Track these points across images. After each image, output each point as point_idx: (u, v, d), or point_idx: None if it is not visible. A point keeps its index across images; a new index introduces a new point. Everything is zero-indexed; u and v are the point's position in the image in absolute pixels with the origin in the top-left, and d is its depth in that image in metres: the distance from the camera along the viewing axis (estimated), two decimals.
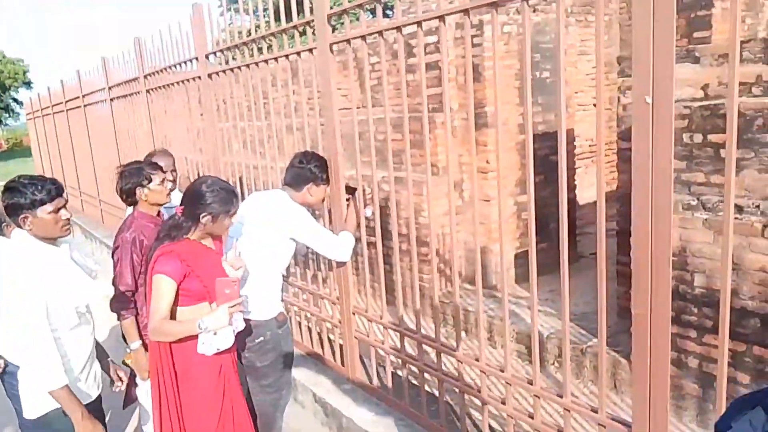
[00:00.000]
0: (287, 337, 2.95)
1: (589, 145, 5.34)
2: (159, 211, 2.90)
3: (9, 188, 2.13)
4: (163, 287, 2.16)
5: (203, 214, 2.26)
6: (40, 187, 2.12)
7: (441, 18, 2.20)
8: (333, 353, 3.26)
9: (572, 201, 5.16)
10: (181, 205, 2.31)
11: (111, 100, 6.79)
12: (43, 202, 2.12)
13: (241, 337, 2.69)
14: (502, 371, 2.26)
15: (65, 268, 2.24)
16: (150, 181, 2.80)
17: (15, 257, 2.12)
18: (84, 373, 2.31)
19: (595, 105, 5.57)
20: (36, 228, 2.14)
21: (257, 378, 2.91)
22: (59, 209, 2.19)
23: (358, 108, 4.79)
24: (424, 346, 2.65)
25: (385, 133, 4.69)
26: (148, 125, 5.66)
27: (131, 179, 2.79)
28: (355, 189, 2.98)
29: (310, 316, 3.41)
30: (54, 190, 2.17)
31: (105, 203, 7.98)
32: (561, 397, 2.04)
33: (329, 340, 3.33)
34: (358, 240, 2.92)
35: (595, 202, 1.85)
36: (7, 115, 52.19)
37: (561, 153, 1.88)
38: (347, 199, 2.97)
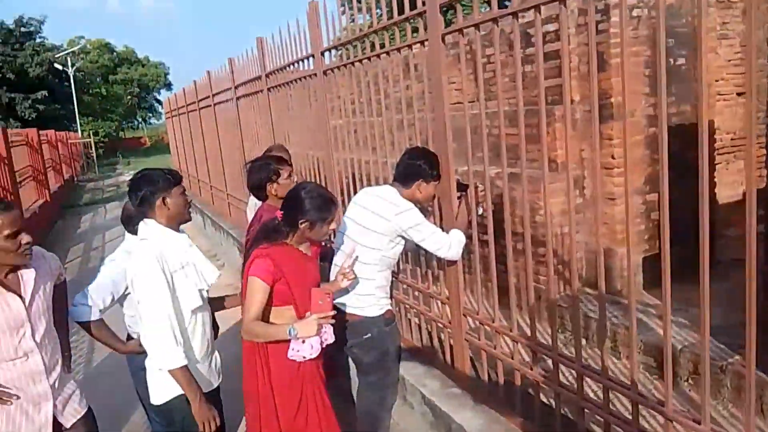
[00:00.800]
0: (395, 335, 2.91)
1: (731, 139, 4.80)
2: None
3: (141, 178, 2.29)
4: (256, 289, 2.24)
5: (302, 220, 2.31)
6: (165, 172, 2.30)
7: (562, 1, 2.03)
8: (443, 354, 3.17)
9: (711, 200, 4.68)
10: (281, 209, 2.37)
11: (237, 98, 7.15)
12: (175, 183, 2.29)
13: (342, 335, 2.70)
14: (629, 388, 2.05)
15: (190, 251, 2.36)
16: (278, 175, 2.90)
17: (144, 245, 2.25)
18: (204, 359, 2.41)
19: (738, 94, 5.01)
20: (172, 209, 2.28)
21: (363, 375, 2.90)
22: (185, 191, 2.34)
23: (470, 102, 4.65)
24: (540, 355, 2.49)
25: (498, 127, 4.53)
26: (269, 122, 5.88)
27: (260, 174, 2.90)
28: (466, 186, 2.87)
29: (420, 315, 3.34)
30: (178, 174, 2.32)
31: (232, 197, 8.45)
32: (699, 423, 1.81)
33: (439, 340, 3.24)
34: (469, 239, 2.80)
35: (736, 202, 1.62)
36: (150, 114, 57.38)
37: (702, 144, 1.65)
38: (459, 197, 2.86)
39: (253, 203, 3.83)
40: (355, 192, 3.93)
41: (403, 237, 2.76)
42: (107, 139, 42.89)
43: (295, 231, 2.33)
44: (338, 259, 2.78)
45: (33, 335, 2.12)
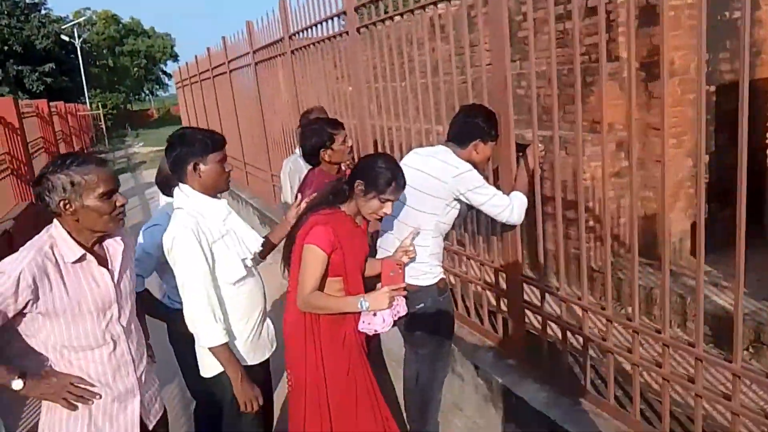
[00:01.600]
0: (448, 304, 2.76)
1: None
2: (339, 169, 2.81)
3: (177, 137, 2.10)
4: (316, 259, 2.09)
5: (360, 184, 2.15)
6: (208, 135, 2.08)
7: None
8: (494, 325, 3.02)
9: (762, 163, 4.45)
10: (353, 172, 2.22)
11: (255, 64, 6.91)
12: (214, 149, 2.07)
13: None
14: (693, 346, 1.94)
15: (229, 218, 2.19)
16: (333, 141, 2.71)
17: (179, 215, 2.08)
18: (252, 331, 2.25)
19: None
20: (204, 177, 2.09)
21: (415, 347, 2.75)
22: (224, 160, 2.13)
23: (512, 61, 4.41)
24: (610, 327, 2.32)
25: (539, 88, 4.30)
26: (293, 88, 5.65)
27: (314, 139, 2.72)
28: (526, 146, 2.67)
29: (471, 284, 3.17)
30: (221, 139, 2.11)
31: (249, 166, 8.27)
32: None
33: (490, 311, 3.08)
34: (530, 202, 2.62)
35: None
36: (157, 86, 56.92)
37: (742, 102, 1.47)
38: (518, 157, 2.67)
39: (288, 168, 3.65)
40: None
41: (459, 201, 2.58)
42: (115, 112, 42.64)
43: (352, 196, 2.19)
44: (383, 242, 2.66)
45: (119, 318, 1.79)
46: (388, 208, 2.20)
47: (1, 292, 1.54)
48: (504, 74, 2.56)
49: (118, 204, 1.72)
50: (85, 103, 34.25)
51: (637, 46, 4.36)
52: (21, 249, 1.65)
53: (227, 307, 2.12)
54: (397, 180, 2.18)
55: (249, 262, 2.19)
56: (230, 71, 8.29)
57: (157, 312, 2.47)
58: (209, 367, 2.16)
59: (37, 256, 1.61)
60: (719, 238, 3.45)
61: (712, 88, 4.25)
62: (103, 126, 32.45)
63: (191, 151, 2.06)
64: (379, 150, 3.92)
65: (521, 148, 2.69)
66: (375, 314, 2.13)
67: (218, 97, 9.61)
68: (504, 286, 2.88)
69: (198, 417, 2.62)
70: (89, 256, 1.70)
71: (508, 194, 2.58)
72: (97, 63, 41.24)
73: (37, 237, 1.68)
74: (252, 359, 2.26)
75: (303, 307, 2.14)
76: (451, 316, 2.78)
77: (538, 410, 2.45)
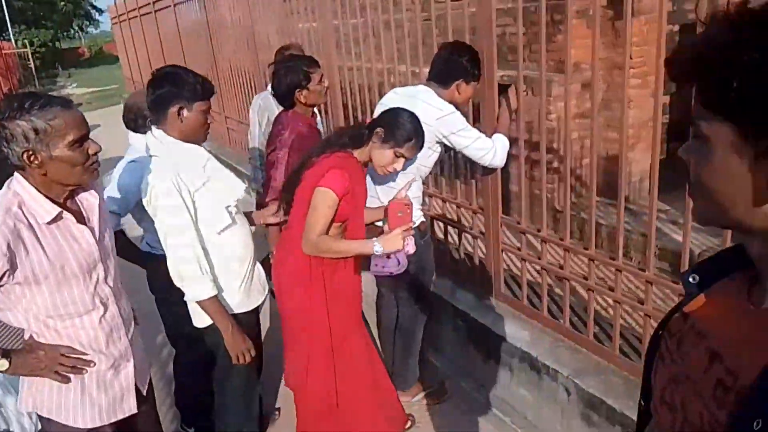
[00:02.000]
0: (428, 248, 2.76)
1: None
2: (313, 112, 2.66)
3: (166, 74, 1.95)
4: (327, 203, 2.01)
5: (380, 131, 2.11)
6: (199, 80, 1.94)
7: None
8: (473, 268, 3.04)
9: None
10: (376, 120, 2.18)
11: None
12: (202, 97, 1.94)
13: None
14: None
15: (209, 164, 2.07)
16: (309, 80, 2.53)
17: (157, 164, 1.96)
18: (244, 280, 2.17)
19: None
20: (185, 124, 1.96)
21: (395, 289, 2.76)
22: (208, 110, 2.00)
23: None
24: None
25: (504, 26, 4.22)
26: (249, 23, 5.37)
27: (289, 79, 2.52)
28: (507, 86, 2.63)
29: (449, 227, 3.17)
30: (210, 88, 1.98)
31: None
32: None
33: (466, 254, 3.10)
34: (512, 143, 2.60)
35: None
36: (87, 22, 53.25)
37: None
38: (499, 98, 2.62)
39: (258, 105, 3.47)
40: (363, 105, 3.65)
41: (441, 143, 2.53)
42: (44, 50, 39.80)
43: (368, 142, 2.12)
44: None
45: (106, 279, 1.62)
46: (399, 164, 2.15)
47: None
48: (489, 9, 2.47)
49: (91, 152, 1.50)
50: (9, 40, 31.83)
51: None
52: None
53: (214, 257, 2.03)
54: (417, 138, 2.14)
55: (233, 209, 2.10)
56: (174, 5, 7.80)
57: (135, 257, 2.37)
58: (202, 316, 2.09)
59: (7, 218, 1.40)
60: (679, 177, 3.56)
61: (676, 28, 4.28)
62: (32, 65, 30.32)
63: (178, 94, 1.92)
64: (347, 93, 3.80)
65: (501, 89, 2.64)
66: (389, 257, 2.11)
67: (161, 33, 9.07)
68: (482, 228, 2.88)
69: (179, 369, 2.57)
70: (66, 214, 1.51)
71: (489, 136, 2.55)
72: None
73: None
74: (245, 306, 2.19)
75: (309, 251, 2.06)
76: (431, 260, 2.79)
77: (520, 348, 2.51)
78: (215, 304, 2.01)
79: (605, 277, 2.74)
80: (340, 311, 2.16)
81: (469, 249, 3.10)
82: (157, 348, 3.34)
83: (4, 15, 31.62)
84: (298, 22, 4.46)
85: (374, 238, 2.05)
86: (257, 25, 5.23)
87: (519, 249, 2.69)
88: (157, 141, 1.98)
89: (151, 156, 1.99)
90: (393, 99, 2.62)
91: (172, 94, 1.93)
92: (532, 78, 4.26)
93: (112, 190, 2.25)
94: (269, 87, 3.29)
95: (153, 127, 2.01)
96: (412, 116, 2.16)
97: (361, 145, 2.14)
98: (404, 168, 2.27)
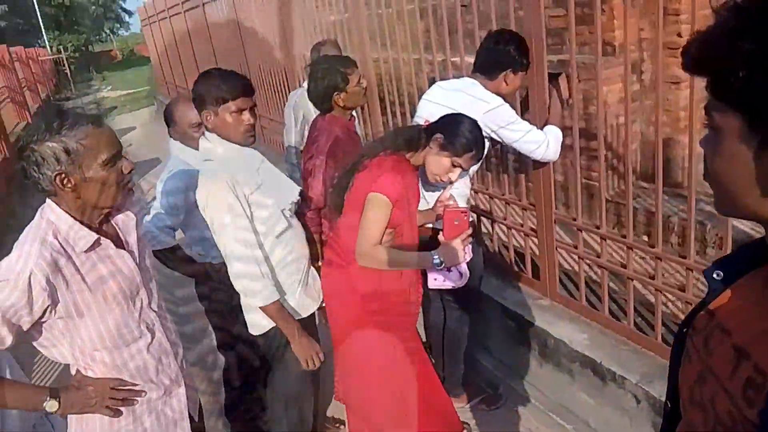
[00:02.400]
0: (477, 249, 2.62)
1: None
2: (351, 115, 2.53)
3: (202, 75, 1.92)
4: (383, 210, 1.87)
5: (440, 137, 1.96)
6: (229, 78, 1.87)
7: None
8: (521, 266, 2.90)
9: None
10: (435, 124, 2.03)
11: None
12: (231, 97, 1.86)
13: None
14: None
15: (263, 167, 2.01)
16: (347, 82, 2.38)
17: (210, 168, 1.91)
18: (299, 284, 2.10)
19: None
20: (215, 128, 1.91)
21: (442, 292, 2.64)
22: (242, 110, 1.90)
23: None
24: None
25: (546, 8, 4.03)
26: (277, 16, 5.27)
27: (327, 81, 2.38)
28: (558, 74, 2.47)
29: (496, 224, 3.03)
30: (240, 87, 1.88)
31: None
32: None
33: (515, 251, 2.97)
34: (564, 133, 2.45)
35: None
36: (117, 25, 54.18)
37: None
38: (549, 87, 2.47)
39: (293, 102, 3.35)
40: (401, 98, 3.52)
41: (489, 139, 2.40)
42: (77, 54, 40.63)
43: (424, 147, 1.99)
44: None
45: (150, 303, 1.54)
46: (455, 174, 2.01)
47: (11, 304, 1.28)
48: None
49: (125, 171, 1.42)
50: (44, 46, 32.57)
51: None
52: (16, 245, 1.35)
53: (273, 261, 1.97)
54: (478, 150, 2.00)
55: (288, 212, 2.03)
56: (204, 4, 7.76)
57: (193, 271, 2.33)
58: (258, 324, 2.02)
59: (44, 250, 1.32)
60: None
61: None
62: (67, 70, 30.97)
63: (206, 98, 1.88)
64: (385, 89, 3.67)
65: (551, 77, 2.49)
66: (450, 269, 1.97)
67: (191, 32, 9.06)
68: (533, 225, 2.74)
69: (232, 378, 2.50)
70: (103, 240, 1.43)
71: (540, 128, 2.40)
72: (52, 2, 38.94)
73: (32, 225, 1.39)
74: (305, 311, 2.12)
75: (365, 262, 1.93)
76: (480, 261, 2.66)
77: (579, 351, 2.37)
78: (279, 308, 1.94)
79: (672, 274, 2.58)
80: (393, 325, 2.04)
81: (519, 246, 2.96)
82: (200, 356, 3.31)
83: (39, 22, 32.32)
84: (329, 14, 4.34)
85: (433, 251, 1.93)
86: (287, 20, 5.13)
87: (575, 247, 2.54)
88: (209, 144, 1.94)
89: (205, 161, 1.95)
90: (437, 94, 2.49)
91: (201, 98, 1.89)
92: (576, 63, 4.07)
93: (161, 205, 2.20)
94: (305, 83, 3.19)
95: (205, 131, 1.97)
96: (474, 125, 2.02)
97: (417, 149, 2.00)
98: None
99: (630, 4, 4.10)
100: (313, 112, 2.93)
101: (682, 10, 3.85)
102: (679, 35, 3.91)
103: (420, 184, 2.39)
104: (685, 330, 0.79)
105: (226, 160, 1.90)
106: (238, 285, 1.89)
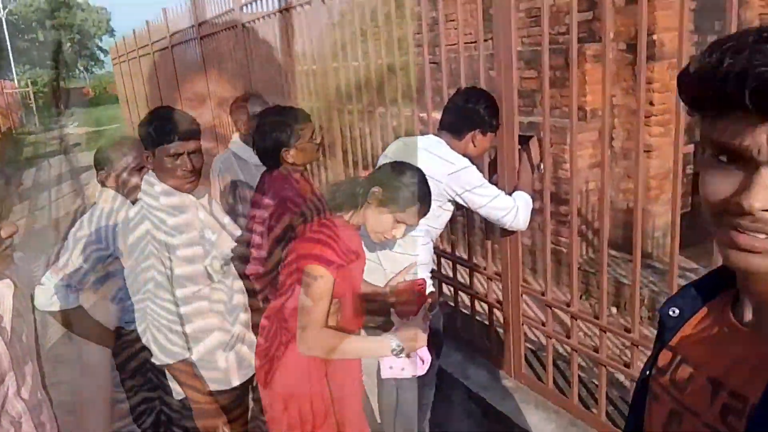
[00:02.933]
0: (438, 321, 2.38)
1: None
2: (303, 171, 2.25)
3: (152, 112, 1.82)
4: (323, 284, 1.58)
5: (378, 191, 1.70)
6: (165, 121, 1.71)
7: None
8: (487, 340, 2.66)
9: None
10: (373, 176, 1.80)
11: (201, 38, 6.29)
12: (167, 140, 1.70)
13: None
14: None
15: (195, 215, 1.83)
16: (298, 138, 2.12)
17: (136, 210, 1.78)
18: (219, 352, 1.86)
19: None
20: (157, 170, 1.76)
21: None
22: (179, 155, 1.72)
23: (472, 42, 4.05)
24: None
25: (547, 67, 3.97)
26: (245, 65, 5.11)
27: (273, 135, 2.10)
28: (529, 137, 2.31)
29: (460, 294, 2.81)
30: (180, 129, 1.71)
31: None
32: None
33: (482, 324, 2.73)
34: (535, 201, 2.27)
35: None
36: (92, 63, 54.00)
37: None
38: (519, 150, 2.31)
39: (218, 169, 2.85)
40: (364, 152, 3.33)
41: (453, 202, 2.20)
42: (47, 89, 40.10)
43: (363, 203, 1.72)
44: None
45: (18, 391, 1.27)
46: (399, 231, 1.75)
47: None
48: (510, 51, 2.17)
49: (3, 235, 1.16)
50: (13, 79, 32.04)
51: (624, 26, 4.12)
52: None
53: (194, 318, 1.77)
54: (423, 203, 1.76)
55: (217, 266, 1.80)
56: (172, 46, 7.60)
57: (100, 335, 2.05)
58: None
59: None
60: (703, 232, 3.23)
61: None
62: (33, 104, 30.38)
63: (149, 139, 1.75)
64: (346, 140, 3.49)
65: (522, 140, 2.32)
66: (409, 356, 1.67)
67: (159, 74, 8.87)
68: (500, 297, 2.52)
69: None
70: None
71: (509, 194, 2.22)
72: (26, 37, 38.64)
73: None
74: (233, 380, 1.91)
75: (310, 351, 1.63)
76: (440, 336, 2.41)
77: None
78: (186, 367, 1.79)
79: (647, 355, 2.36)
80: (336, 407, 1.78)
81: (482, 317, 2.73)
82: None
83: (8, 55, 31.90)
84: (300, 65, 4.19)
85: (389, 334, 1.66)
86: (255, 72, 4.95)
87: (543, 324, 2.32)
88: (146, 183, 1.79)
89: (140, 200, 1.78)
90: (399, 150, 2.30)
91: (143, 140, 1.78)
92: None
93: (69, 263, 1.92)
94: (232, 141, 2.94)
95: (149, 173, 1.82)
96: (418, 173, 1.77)
97: (356, 206, 1.74)
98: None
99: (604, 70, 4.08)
100: (241, 176, 2.71)
101: (655, 78, 3.80)
102: (652, 103, 3.85)
103: (372, 249, 2.17)
104: (648, 372, 0.78)
105: (154, 204, 1.75)
106: (143, 338, 1.75)
